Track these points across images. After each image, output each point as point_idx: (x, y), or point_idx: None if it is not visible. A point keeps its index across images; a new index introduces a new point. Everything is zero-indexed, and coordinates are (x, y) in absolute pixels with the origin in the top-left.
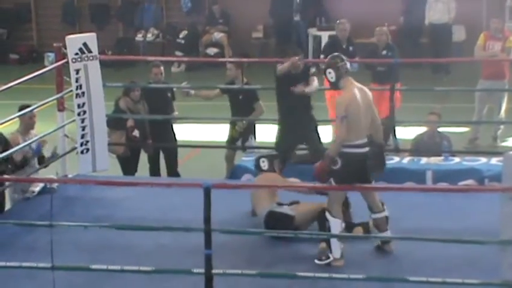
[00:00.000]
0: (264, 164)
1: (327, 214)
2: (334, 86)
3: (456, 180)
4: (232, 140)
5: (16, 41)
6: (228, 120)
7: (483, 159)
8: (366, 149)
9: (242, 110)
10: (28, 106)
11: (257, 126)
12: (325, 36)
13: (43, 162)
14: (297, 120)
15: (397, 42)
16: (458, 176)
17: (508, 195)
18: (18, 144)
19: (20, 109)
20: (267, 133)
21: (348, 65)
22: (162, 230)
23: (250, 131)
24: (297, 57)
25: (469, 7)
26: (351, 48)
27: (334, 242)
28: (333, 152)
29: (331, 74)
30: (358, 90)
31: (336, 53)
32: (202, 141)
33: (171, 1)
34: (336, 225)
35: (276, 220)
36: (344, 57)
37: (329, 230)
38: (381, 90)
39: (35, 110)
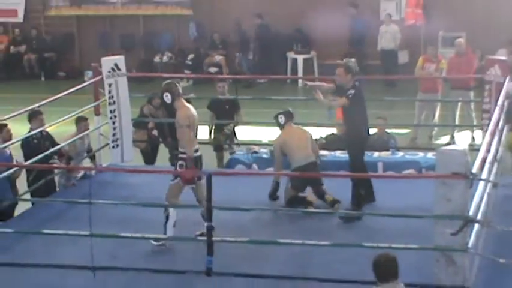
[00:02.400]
0: (282, 119)
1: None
2: (170, 106)
3: (401, 169)
4: (219, 142)
5: (63, 62)
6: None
7: (421, 154)
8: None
9: (227, 117)
10: (85, 118)
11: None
12: (300, 58)
13: (92, 156)
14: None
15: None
16: (402, 166)
17: (440, 181)
18: (75, 147)
19: (77, 120)
20: (245, 134)
21: (180, 88)
22: (176, 207)
23: (234, 133)
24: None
25: (411, 36)
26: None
27: (169, 229)
28: (191, 153)
29: (168, 97)
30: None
31: (171, 80)
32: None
33: (181, 30)
34: (173, 216)
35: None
36: (176, 83)
37: (166, 220)
38: None
39: (76, 114)
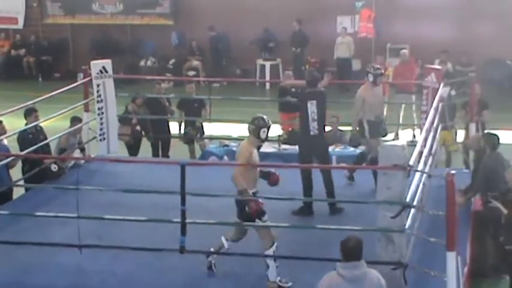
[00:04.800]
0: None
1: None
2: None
3: (351, 161)
4: (190, 136)
5: (58, 64)
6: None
7: None
8: None
9: (195, 114)
10: (80, 119)
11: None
12: (267, 64)
13: (82, 147)
14: None
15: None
16: (352, 159)
17: (382, 171)
18: (67, 140)
19: (72, 120)
20: (217, 129)
21: None
22: (153, 192)
23: (202, 128)
24: None
25: (363, 47)
26: None
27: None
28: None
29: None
30: None
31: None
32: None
33: (164, 39)
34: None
35: None
36: None
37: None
38: None
39: (69, 111)
